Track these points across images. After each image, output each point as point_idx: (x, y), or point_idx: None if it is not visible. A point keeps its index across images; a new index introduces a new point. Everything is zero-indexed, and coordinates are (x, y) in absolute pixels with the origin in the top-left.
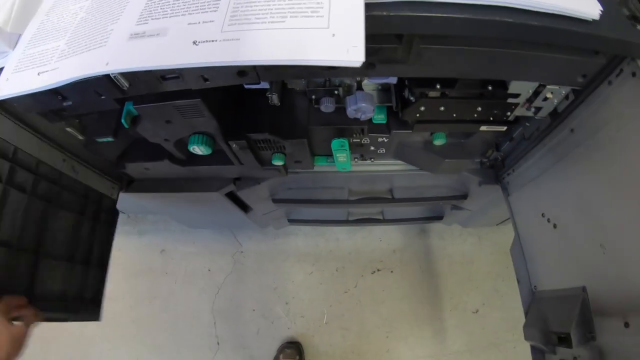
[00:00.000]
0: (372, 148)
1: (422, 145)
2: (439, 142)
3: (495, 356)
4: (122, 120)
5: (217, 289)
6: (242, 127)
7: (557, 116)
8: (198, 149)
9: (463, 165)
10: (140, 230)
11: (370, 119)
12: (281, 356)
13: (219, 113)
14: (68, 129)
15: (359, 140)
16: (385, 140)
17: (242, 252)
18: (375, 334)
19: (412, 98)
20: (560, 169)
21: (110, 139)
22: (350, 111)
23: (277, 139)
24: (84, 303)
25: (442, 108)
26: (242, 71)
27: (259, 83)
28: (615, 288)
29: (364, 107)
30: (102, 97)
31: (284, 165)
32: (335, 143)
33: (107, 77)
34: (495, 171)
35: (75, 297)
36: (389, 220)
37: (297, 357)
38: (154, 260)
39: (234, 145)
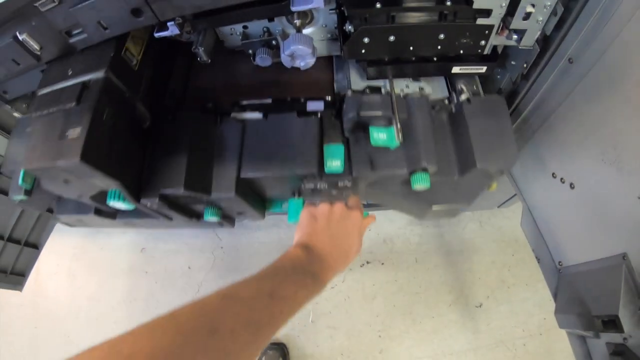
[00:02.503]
0: (335, 193)
1: (400, 189)
2: (420, 186)
3: (503, 355)
4: (20, 183)
5: (198, 288)
6: (155, 181)
7: (547, 43)
8: (119, 205)
9: (457, 212)
10: (123, 229)
11: (322, 168)
12: (264, 358)
13: (121, 167)
14: (15, 114)
15: (313, 186)
16: (349, 185)
17: (222, 247)
18: (367, 333)
19: (351, 28)
20: (564, 111)
21: (23, 198)
22: (285, 58)
23: (198, 195)
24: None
25: (392, 38)
26: (137, 9)
27: (158, 23)
28: None
29: (300, 49)
30: (20, 65)
31: (225, 219)
32: (292, 205)
33: (17, 42)
34: None
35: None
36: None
37: (281, 359)
38: (135, 259)
39: (148, 204)
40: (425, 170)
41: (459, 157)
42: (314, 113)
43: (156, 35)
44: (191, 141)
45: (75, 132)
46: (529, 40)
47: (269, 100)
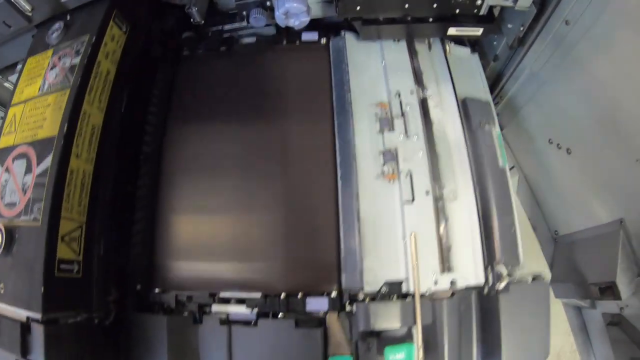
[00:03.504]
0: None
1: None
2: None
3: None
4: None
5: None
6: None
7: (544, 3)
8: None
9: None
10: None
11: None
12: None
13: None
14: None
15: None
16: None
17: None
18: None
19: None
20: (561, 76)
21: None
22: (279, 17)
23: None
24: None
25: None
26: None
27: None
28: None
29: (294, 7)
30: (11, 27)
31: None
32: None
33: (9, 2)
34: None
35: None
36: None
37: None
38: None
39: None
40: None
41: (483, 351)
42: (316, 318)
43: None
44: (169, 352)
45: None
46: (526, 1)
47: (258, 295)
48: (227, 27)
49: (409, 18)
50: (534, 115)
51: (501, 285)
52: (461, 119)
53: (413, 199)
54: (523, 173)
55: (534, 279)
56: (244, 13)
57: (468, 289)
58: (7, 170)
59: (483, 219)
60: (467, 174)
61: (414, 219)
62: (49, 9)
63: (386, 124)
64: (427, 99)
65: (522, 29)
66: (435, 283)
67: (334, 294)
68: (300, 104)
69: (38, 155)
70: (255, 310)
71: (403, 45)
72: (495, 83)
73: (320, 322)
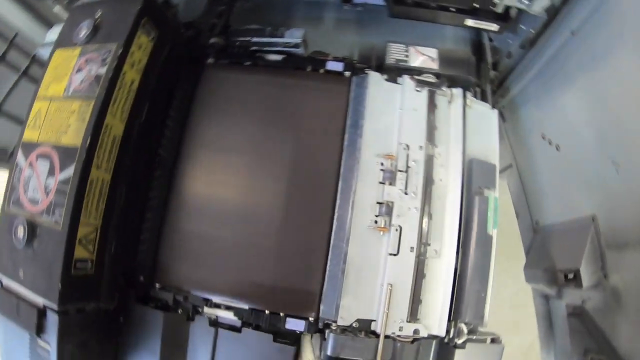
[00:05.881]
0: None
1: None
2: None
3: None
4: None
5: None
6: None
7: (555, 13)
8: None
9: None
10: None
11: None
12: None
13: None
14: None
15: None
16: None
17: None
18: None
19: None
20: (562, 80)
21: None
22: None
23: None
24: None
25: None
26: None
27: None
28: (633, 214)
29: None
30: None
31: None
32: None
33: None
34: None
35: None
36: None
37: None
38: None
39: None
40: None
41: None
42: (293, 335)
43: None
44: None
45: None
46: (538, 6)
47: (246, 307)
48: (255, 39)
49: (434, 5)
50: (533, 112)
51: (460, 341)
52: (462, 180)
53: (397, 253)
54: (516, 163)
55: (492, 340)
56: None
57: (430, 337)
58: (30, 166)
59: (458, 279)
60: (454, 236)
61: (395, 271)
62: None
63: (389, 177)
64: (434, 157)
65: (532, 31)
66: (400, 329)
67: (311, 319)
68: (312, 138)
69: (61, 162)
70: (242, 319)
71: (424, 95)
72: (504, 78)
73: (295, 340)
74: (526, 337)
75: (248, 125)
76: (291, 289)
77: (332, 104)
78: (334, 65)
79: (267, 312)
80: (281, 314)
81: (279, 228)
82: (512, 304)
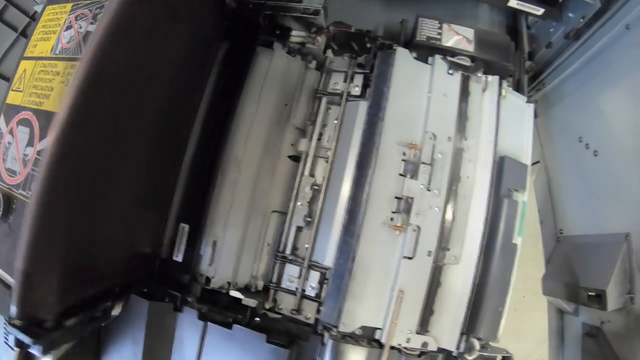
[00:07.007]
0: None
1: None
2: None
3: None
4: None
5: None
6: None
7: (609, 3)
8: None
9: None
10: None
11: None
12: None
13: None
14: None
15: None
16: None
17: None
18: None
19: None
20: (607, 79)
21: None
22: None
23: None
24: None
25: None
26: None
27: None
28: None
29: None
30: None
31: None
32: None
33: None
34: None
35: None
36: None
37: None
38: None
39: None
40: None
41: None
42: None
43: None
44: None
45: None
46: None
47: None
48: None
49: None
50: (570, 111)
51: (470, 357)
52: (492, 179)
53: (413, 256)
54: (545, 164)
55: (503, 358)
56: None
57: (439, 351)
58: (11, 132)
59: (476, 291)
60: (476, 242)
61: (408, 276)
62: None
63: (411, 169)
64: (463, 151)
65: (582, 20)
66: (408, 341)
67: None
68: None
69: (41, 129)
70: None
71: (457, 79)
72: (540, 71)
73: (290, 342)
74: (526, 345)
75: None
76: None
77: None
78: None
79: None
80: None
81: None
82: (517, 307)
